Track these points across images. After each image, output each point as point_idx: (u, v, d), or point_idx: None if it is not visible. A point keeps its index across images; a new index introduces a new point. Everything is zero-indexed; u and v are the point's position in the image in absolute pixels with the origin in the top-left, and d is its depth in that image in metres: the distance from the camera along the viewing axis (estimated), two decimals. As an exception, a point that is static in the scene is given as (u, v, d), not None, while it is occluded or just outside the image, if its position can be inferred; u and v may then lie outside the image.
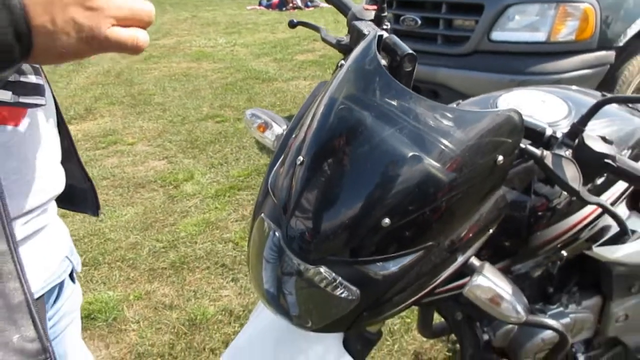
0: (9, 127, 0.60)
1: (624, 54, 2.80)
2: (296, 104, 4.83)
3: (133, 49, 0.51)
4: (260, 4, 12.31)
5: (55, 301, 0.75)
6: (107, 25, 0.48)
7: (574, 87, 1.20)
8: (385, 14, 0.98)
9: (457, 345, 1.50)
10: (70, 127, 4.76)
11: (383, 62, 0.91)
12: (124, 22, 0.50)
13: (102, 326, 2.05)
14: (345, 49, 1.01)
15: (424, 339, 1.76)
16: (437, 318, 1.29)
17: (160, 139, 4.05)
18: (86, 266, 2.45)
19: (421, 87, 3.00)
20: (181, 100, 5.06)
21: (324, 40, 1.05)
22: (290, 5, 11.70)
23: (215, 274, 2.35)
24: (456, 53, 2.94)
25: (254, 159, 3.60)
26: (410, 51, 0.90)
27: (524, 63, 2.73)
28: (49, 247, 0.71)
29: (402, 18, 3.19)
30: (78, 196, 0.80)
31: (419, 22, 3.11)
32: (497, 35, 2.81)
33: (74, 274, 0.79)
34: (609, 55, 2.74)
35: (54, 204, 0.73)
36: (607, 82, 2.78)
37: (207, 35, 8.64)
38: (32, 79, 0.62)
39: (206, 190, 3.17)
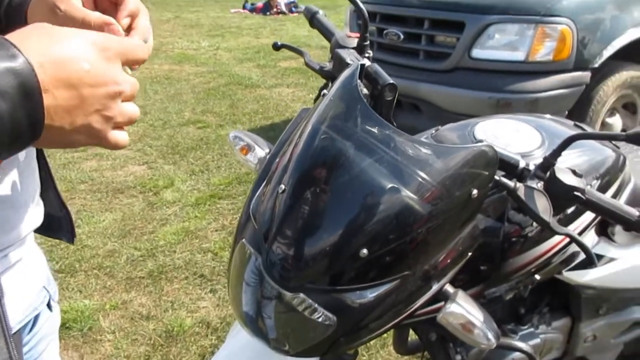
0: None
1: (599, 74, 2.88)
2: (278, 111, 4.84)
3: (116, 149, 0.55)
4: (244, 8, 12.30)
5: (31, 328, 0.75)
6: (110, 129, 0.51)
7: (547, 115, 1.24)
8: (367, 42, 1.01)
9: (432, 362, 1.53)
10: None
11: (365, 90, 0.93)
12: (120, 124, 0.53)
13: (76, 336, 2.03)
14: (327, 75, 1.03)
15: (399, 355, 1.78)
16: (412, 335, 1.32)
17: (141, 143, 4.02)
18: (62, 273, 2.42)
19: (403, 101, 3.04)
20: (162, 103, 5.03)
21: (307, 65, 1.07)
22: (275, 9, 11.72)
23: (194, 285, 2.34)
24: (438, 69, 3.00)
25: (235, 167, 3.60)
26: (391, 81, 0.92)
27: (503, 81, 2.79)
28: (25, 279, 0.71)
29: (385, 32, 3.23)
30: (54, 223, 0.79)
31: (402, 36, 3.16)
32: (477, 52, 2.87)
33: (52, 302, 0.79)
34: (585, 75, 2.82)
35: (32, 234, 0.73)
36: (582, 101, 2.86)
37: (190, 37, 8.60)
38: None
39: (186, 198, 3.16)
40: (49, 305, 0.78)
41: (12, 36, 0.45)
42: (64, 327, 2.05)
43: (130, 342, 1.99)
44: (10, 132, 0.43)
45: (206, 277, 2.39)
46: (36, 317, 0.75)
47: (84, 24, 0.60)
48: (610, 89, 2.94)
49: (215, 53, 7.37)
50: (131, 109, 0.53)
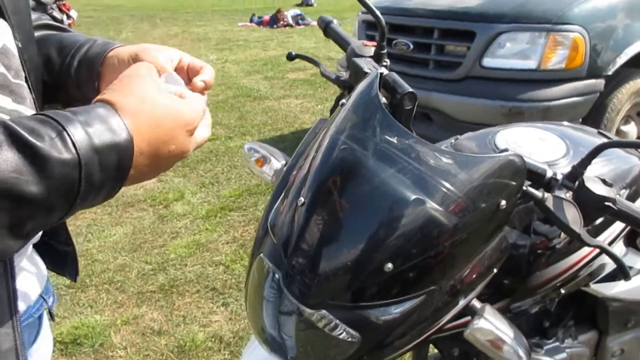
0: None
1: (613, 82, 2.84)
2: (287, 122, 4.83)
3: None
4: (251, 21, 12.39)
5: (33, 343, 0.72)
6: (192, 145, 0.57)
7: (565, 122, 1.21)
8: (385, 51, 0.99)
9: (452, 378, 1.49)
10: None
11: (383, 100, 0.91)
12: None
13: (88, 352, 2.00)
14: (344, 85, 1.01)
15: (417, 369, 1.74)
16: (432, 349, 1.28)
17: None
18: (73, 289, 2.40)
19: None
20: (172, 117, 5.03)
21: (323, 75, 1.05)
22: (282, 22, 11.78)
23: (206, 298, 2.32)
24: (448, 78, 2.97)
25: (245, 178, 3.58)
26: (411, 89, 0.90)
27: (515, 90, 2.76)
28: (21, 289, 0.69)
29: (394, 42, 3.22)
30: (58, 257, 0.76)
31: (411, 46, 3.14)
32: (488, 61, 2.84)
33: (49, 314, 0.76)
34: (599, 83, 2.78)
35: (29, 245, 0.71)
36: (596, 109, 2.82)
37: (198, 51, 8.65)
38: None
39: (197, 211, 3.15)
40: (50, 314, 0.75)
41: (118, 101, 0.49)
42: (75, 343, 2.03)
43: (142, 358, 1.96)
44: (93, 196, 0.48)
45: (218, 291, 2.36)
46: (37, 333, 0.72)
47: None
48: (625, 96, 2.90)
49: (223, 66, 7.40)
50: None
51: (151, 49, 0.66)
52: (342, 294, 0.73)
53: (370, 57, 0.99)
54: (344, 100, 0.87)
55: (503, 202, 0.74)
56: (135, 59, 0.65)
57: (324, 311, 0.74)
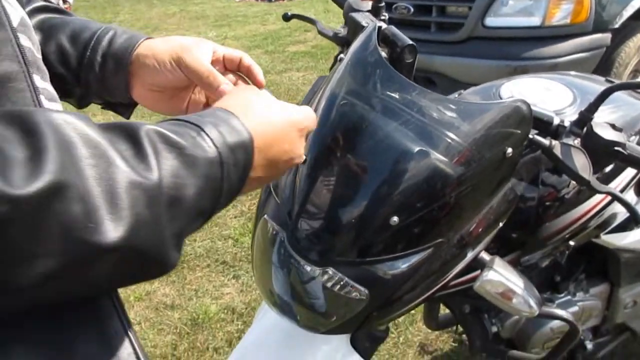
0: None
1: (620, 35, 2.77)
2: (290, 96, 4.79)
3: None
4: (249, -4, 12.19)
5: None
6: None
7: (573, 72, 1.18)
8: (383, 4, 0.96)
9: (464, 336, 1.49)
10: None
11: (383, 54, 0.88)
12: None
13: (103, 329, 2.02)
14: (342, 42, 0.99)
15: (430, 331, 1.75)
16: (443, 309, 1.28)
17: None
18: (85, 268, 2.42)
19: (417, 75, 2.95)
20: (174, 96, 5.00)
21: (320, 33, 1.02)
22: (280, -4, 11.59)
23: (216, 272, 2.33)
24: (450, 40, 2.91)
25: (249, 153, 3.56)
26: (411, 42, 0.87)
27: (519, 48, 2.70)
28: None
29: (394, 6, 3.15)
30: None
31: (412, 9, 3.07)
32: (491, 21, 2.77)
33: None
34: (605, 37, 2.72)
35: None
36: (603, 65, 2.76)
37: (197, 29, 8.54)
38: (57, 107, 0.55)
39: (203, 187, 3.14)
40: None
41: (230, 106, 0.49)
42: (90, 320, 2.05)
43: (156, 332, 1.98)
44: (228, 197, 0.47)
45: (228, 264, 2.37)
46: None
47: (206, 83, 0.62)
48: (632, 50, 2.83)
49: (223, 43, 7.29)
50: None
51: (190, 47, 0.63)
52: (349, 250, 0.73)
53: (368, 11, 0.96)
54: (342, 56, 0.84)
55: (509, 150, 0.72)
56: (178, 61, 0.63)
57: (331, 269, 0.73)
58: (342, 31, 0.99)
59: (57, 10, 0.69)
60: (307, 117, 0.57)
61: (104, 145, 0.38)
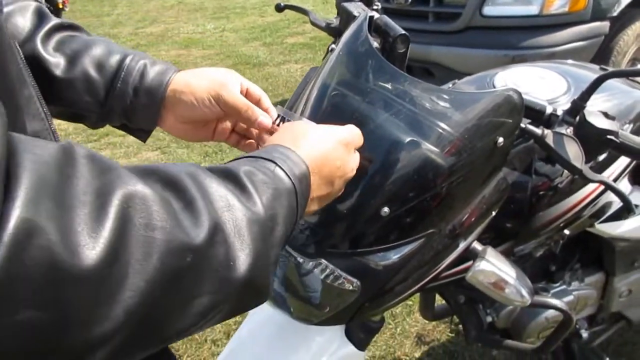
0: None
1: (618, 23, 2.76)
2: (288, 88, 4.77)
3: None
4: (247, -13, 12.11)
5: None
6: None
7: (569, 61, 1.17)
8: (375, -7, 0.95)
9: (460, 326, 1.50)
10: (61, 121, 4.67)
11: (375, 44, 0.88)
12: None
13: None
14: (335, 32, 0.98)
15: (427, 321, 1.75)
16: (439, 300, 1.28)
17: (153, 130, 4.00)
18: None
19: (414, 66, 2.96)
20: (172, 89, 4.97)
21: (312, 23, 1.02)
22: (278, -13, 11.51)
23: (214, 264, 2.34)
24: (448, 30, 2.90)
25: (248, 145, 3.56)
26: (403, 32, 0.86)
27: (517, 37, 2.69)
28: None
29: (391, -4, 3.13)
30: None
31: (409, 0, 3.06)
32: (489, 10, 2.76)
33: None
34: (603, 25, 2.70)
35: None
36: (602, 53, 2.75)
37: (195, 21, 8.50)
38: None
39: (201, 180, 3.14)
40: None
41: (283, 141, 0.54)
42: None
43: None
44: (297, 224, 0.51)
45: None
46: None
47: (245, 117, 0.67)
48: (631, 38, 2.82)
49: (221, 35, 7.27)
50: None
51: (226, 83, 0.67)
52: (340, 241, 0.73)
53: (360, 0, 0.95)
54: (333, 46, 0.84)
55: (500, 140, 0.72)
56: (217, 98, 0.66)
57: (323, 260, 0.73)
58: (335, 22, 0.98)
59: (71, 27, 0.70)
60: (351, 133, 0.61)
61: (222, 188, 0.42)
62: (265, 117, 0.67)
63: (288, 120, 0.69)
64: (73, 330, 0.31)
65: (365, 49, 0.76)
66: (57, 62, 0.64)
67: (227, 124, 0.72)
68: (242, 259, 0.41)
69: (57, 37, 0.67)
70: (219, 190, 0.42)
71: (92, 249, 0.31)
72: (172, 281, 0.36)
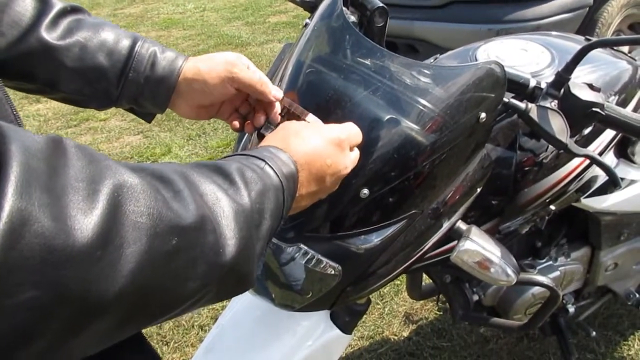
0: None
1: (602, -5, 2.73)
2: (272, 68, 4.70)
3: None
4: (228, -34, 11.85)
5: None
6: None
7: (554, 32, 1.14)
8: (352, -35, 0.90)
9: (447, 305, 1.49)
10: (40, 106, 4.51)
11: (352, 18, 0.84)
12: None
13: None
14: (310, 7, 0.94)
15: (414, 301, 1.75)
16: (426, 279, 1.27)
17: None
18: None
19: (397, 42, 2.91)
20: (153, 71, 4.88)
21: (288, -2, 0.97)
22: (260, -36, 11.28)
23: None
24: (431, 5, 2.84)
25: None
26: (381, 4, 0.83)
27: (501, 11, 2.64)
28: None
29: (374, -29, 3.06)
30: None
31: (392, -26, 2.99)
32: (472, -18, 2.71)
33: None
34: (588, -3, 2.67)
35: None
36: (586, 25, 2.72)
37: (175, 1, 8.31)
38: None
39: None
40: None
41: (275, 141, 0.57)
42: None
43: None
44: (283, 220, 0.53)
45: (212, 241, 2.35)
46: None
47: (260, 91, 0.67)
48: (615, 9, 2.79)
49: (202, 15, 7.12)
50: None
51: (237, 62, 0.68)
52: (319, 225, 0.70)
53: (336, -27, 0.90)
54: (308, 21, 0.80)
55: (483, 115, 0.69)
56: (232, 79, 0.67)
57: (302, 245, 0.71)
58: (310, -5, 0.94)
59: (74, 10, 0.69)
60: (345, 131, 0.61)
61: (210, 182, 0.45)
62: (278, 91, 0.69)
63: (292, 111, 0.69)
64: (70, 308, 0.33)
65: (341, 23, 0.73)
66: (67, 50, 0.64)
67: (231, 104, 0.73)
68: (230, 247, 0.43)
69: (64, 23, 0.66)
70: (207, 185, 0.44)
71: (84, 231, 0.33)
72: (163, 263, 0.38)
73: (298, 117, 0.67)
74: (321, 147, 0.58)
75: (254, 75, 0.68)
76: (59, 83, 0.65)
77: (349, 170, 0.61)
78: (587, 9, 2.69)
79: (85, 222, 0.33)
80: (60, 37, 0.64)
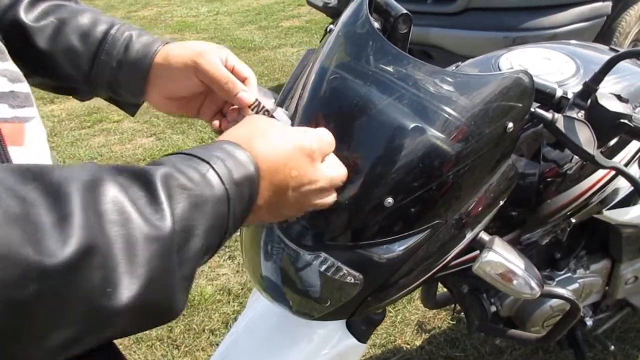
0: (15, 149, 0.47)
1: (621, 4, 2.70)
2: (284, 72, 4.71)
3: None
4: (241, -30, 11.92)
5: None
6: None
7: (574, 41, 1.13)
8: (376, -29, 0.90)
9: (462, 314, 1.48)
10: (54, 107, 4.55)
11: (376, 24, 0.83)
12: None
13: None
14: (333, 13, 0.93)
15: (427, 309, 1.73)
16: (440, 288, 1.26)
17: (147, 115, 3.94)
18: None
19: (413, 49, 2.90)
20: (166, 74, 4.90)
21: (309, 3, 0.98)
22: (273, -31, 11.33)
23: (211, 252, 2.31)
24: (447, 12, 2.83)
25: (244, 131, 3.51)
26: (405, 11, 0.82)
27: (518, 19, 2.63)
28: None
29: (389, -23, 3.06)
30: None
31: (407, -20, 2.99)
32: (488, -10, 2.70)
33: None
34: (606, 6, 2.65)
35: None
36: (604, 34, 2.70)
37: (189, 4, 8.36)
38: (24, 87, 0.51)
39: (197, 167, 3.10)
40: None
41: (236, 137, 0.50)
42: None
43: (152, 315, 1.97)
44: (233, 230, 0.47)
45: (224, 245, 2.35)
46: None
47: (225, 90, 0.63)
48: (633, 18, 2.77)
49: (215, 18, 7.17)
50: (326, 199, 0.58)
51: (205, 53, 0.63)
52: (342, 233, 0.69)
53: (359, -21, 0.90)
54: (332, 27, 0.79)
55: (510, 125, 0.68)
56: (195, 68, 0.63)
57: (323, 254, 0.70)
58: (333, 1, 0.94)
59: None
60: (318, 140, 0.55)
61: (122, 197, 0.37)
62: (247, 95, 0.63)
63: (263, 108, 0.65)
64: None
65: (366, 30, 0.72)
66: (40, 31, 0.61)
67: (214, 104, 0.68)
68: (127, 283, 0.36)
69: (43, 5, 0.64)
70: (115, 201, 0.37)
71: None
72: (18, 314, 0.32)
73: (268, 113, 0.64)
74: (288, 154, 0.51)
75: (219, 70, 0.62)
76: (31, 65, 0.62)
77: (321, 185, 0.55)
78: (605, 17, 2.67)
79: None
80: (35, 19, 0.62)
